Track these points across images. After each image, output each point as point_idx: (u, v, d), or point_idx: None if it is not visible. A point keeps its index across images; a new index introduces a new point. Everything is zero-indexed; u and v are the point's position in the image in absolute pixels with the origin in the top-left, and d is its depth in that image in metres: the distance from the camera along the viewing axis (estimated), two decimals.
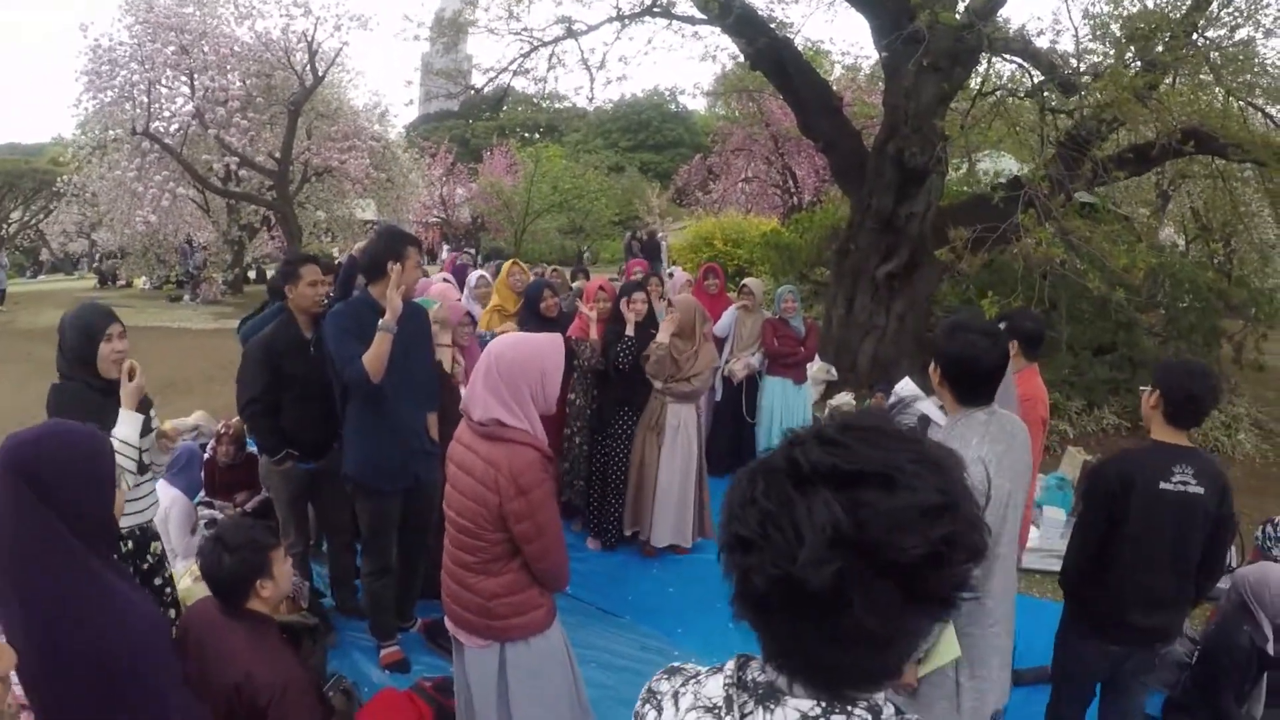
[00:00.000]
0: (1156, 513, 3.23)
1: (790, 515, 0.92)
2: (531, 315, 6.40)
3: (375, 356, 4.09)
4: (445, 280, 6.84)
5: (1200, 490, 3.22)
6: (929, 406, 3.28)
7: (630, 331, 5.92)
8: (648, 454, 6.05)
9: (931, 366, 2.97)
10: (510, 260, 7.05)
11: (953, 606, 0.96)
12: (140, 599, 2.40)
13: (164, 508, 4.86)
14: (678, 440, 6.05)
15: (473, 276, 7.32)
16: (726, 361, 7.51)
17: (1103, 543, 3.37)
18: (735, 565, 0.98)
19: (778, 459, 0.99)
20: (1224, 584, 5.63)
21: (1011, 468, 2.83)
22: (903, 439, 0.98)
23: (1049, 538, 6.33)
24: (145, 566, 3.65)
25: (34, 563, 2.16)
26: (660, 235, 24.74)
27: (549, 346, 3.01)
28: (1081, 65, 8.17)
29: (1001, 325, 3.94)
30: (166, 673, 2.34)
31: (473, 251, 25.04)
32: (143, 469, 3.61)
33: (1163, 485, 3.21)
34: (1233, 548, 6.04)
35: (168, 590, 3.78)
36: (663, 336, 5.77)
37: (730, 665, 1.14)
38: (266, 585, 2.90)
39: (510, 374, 2.88)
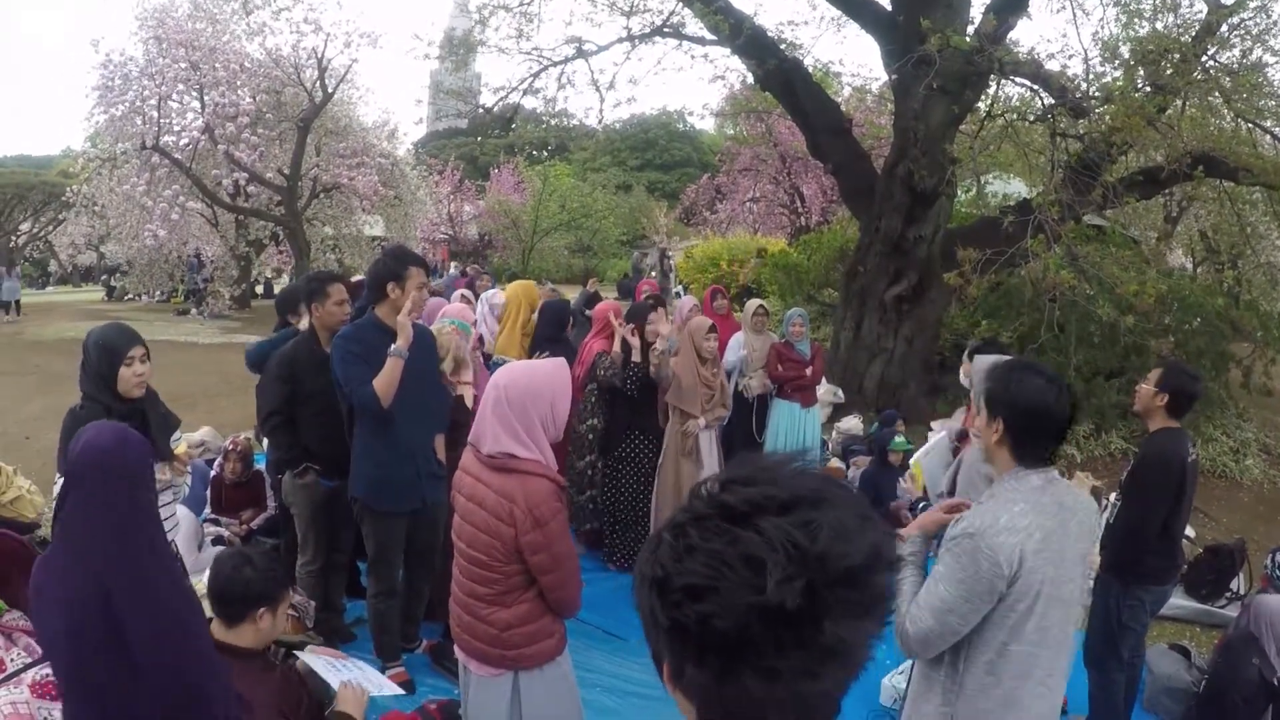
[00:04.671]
0: (1190, 479, 4.17)
1: (740, 549, 0.90)
2: (559, 336, 6.39)
3: (386, 382, 4.09)
4: (464, 297, 6.82)
5: (1197, 455, 4.37)
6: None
7: (637, 357, 5.93)
8: (684, 480, 5.93)
9: (985, 419, 2.52)
10: (529, 280, 6.96)
11: (887, 615, 0.97)
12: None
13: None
14: (708, 464, 6.06)
15: (496, 295, 7.19)
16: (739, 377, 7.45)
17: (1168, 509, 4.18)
18: (689, 616, 0.92)
19: (698, 508, 0.97)
20: (1232, 611, 5.62)
21: (1059, 552, 2.36)
22: (802, 468, 0.99)
23: None
24: None
25: (143, 561, 2.17)
26: (670, 255, 24.72)
27: (557, 372, 3.01)
28: (1091, 89, 8.15)
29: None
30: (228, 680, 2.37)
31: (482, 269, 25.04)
32: None
33: (1189, 459, 4.14)
34: (1240, 574, 6.02)
35: None
36: (660, 345, 5.89)
37: None
38: (265, 617, 2.89)
39: (521, 403, 2.86)
